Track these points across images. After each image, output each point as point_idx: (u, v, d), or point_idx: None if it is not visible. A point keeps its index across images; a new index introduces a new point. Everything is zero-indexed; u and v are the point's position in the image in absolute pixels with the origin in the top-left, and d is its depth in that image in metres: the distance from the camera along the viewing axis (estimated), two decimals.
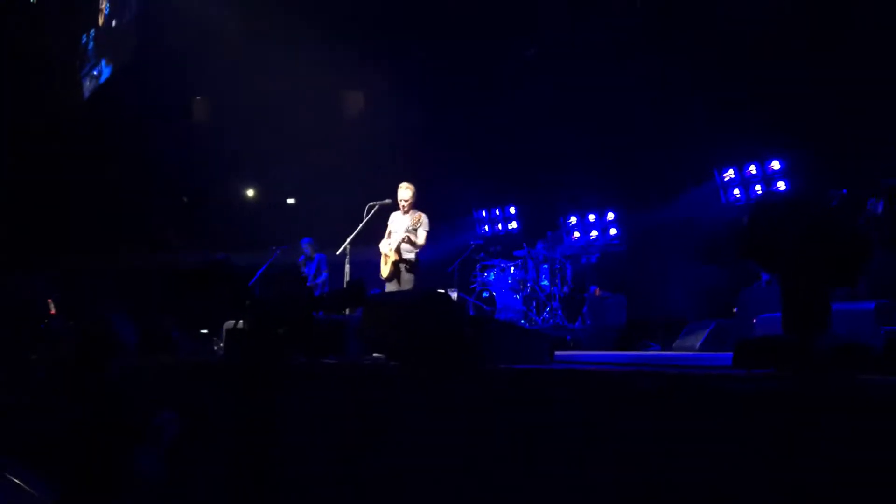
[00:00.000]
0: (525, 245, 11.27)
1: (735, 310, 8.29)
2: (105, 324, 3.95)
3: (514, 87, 11.95)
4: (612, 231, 11.75)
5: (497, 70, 11.85)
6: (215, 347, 7.71)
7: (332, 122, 13.26)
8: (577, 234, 11.99)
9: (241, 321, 5.42)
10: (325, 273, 10.46)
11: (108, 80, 14.06)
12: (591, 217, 11.92)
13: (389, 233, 8.01)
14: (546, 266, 10.96)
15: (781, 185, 9.51)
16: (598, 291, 10.53)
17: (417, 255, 7.88)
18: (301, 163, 13.41)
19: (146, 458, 3.83)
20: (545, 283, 10.83)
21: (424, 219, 7.89)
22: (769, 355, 3.18)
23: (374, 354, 5.73)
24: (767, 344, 3.38)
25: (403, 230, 7.82)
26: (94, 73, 14.37)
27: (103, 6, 14.55)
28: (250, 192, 15.78)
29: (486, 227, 13.55)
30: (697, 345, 7.70)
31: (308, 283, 10.22)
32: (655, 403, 3.08)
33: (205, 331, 8.97)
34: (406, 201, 7.94)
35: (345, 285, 7.72)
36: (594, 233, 11.84)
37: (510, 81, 11.90)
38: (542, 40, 11.60)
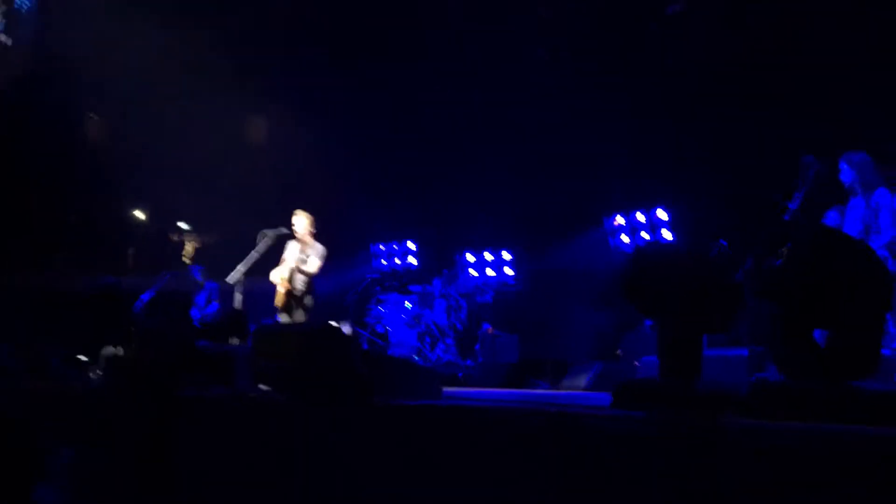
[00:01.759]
0: (428, 283, 11.36)
1: (619, 352, 8.58)
2: None
3: (415, 121, 12.10)
4: (508, 271, 11.95)
5: (399, 104, 11.98)
6: (92, 374, 7.39)
7: (232, 148, 13.06)
8: (473, 272, 12.14)
9: (120, 348, 5.24)
10: (215, 303, 10.20)
11: None
12: (488, 256, 12.10)
13: (283, 261, 7.91)
14: (442, 302, 11.06)
15: (667, 234, 9.94)
16: (491, 329, 10.67)
17: (312, 285, 7.80)
18: (197, 187, 13.11)
19: (44, 492, 3.63)
20: (441, 320, 10.91)
21: (318, 247, 7.82)
22: (645, 397, 3.32)
23: (263, 386, 5.64)
24: (644, 386, 3.54)
25: (296, 259, 7.74)
26: None
27: None
28: (142, 215, 15.29)
29: (384, 262, 13.55)
30: (583, 384, 7.92)
31: (198, 313, 9.96)
32: (537, 441, 3.17)
33: (83, 357, 8.58)
34: (301, 227, 7.86)
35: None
36: (490, 271, 12.02)
37: (411, 116, 12.04)
38: (445, 77, 11.83)
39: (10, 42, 13.40)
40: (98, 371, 7.36)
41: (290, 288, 7.67)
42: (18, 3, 13.07)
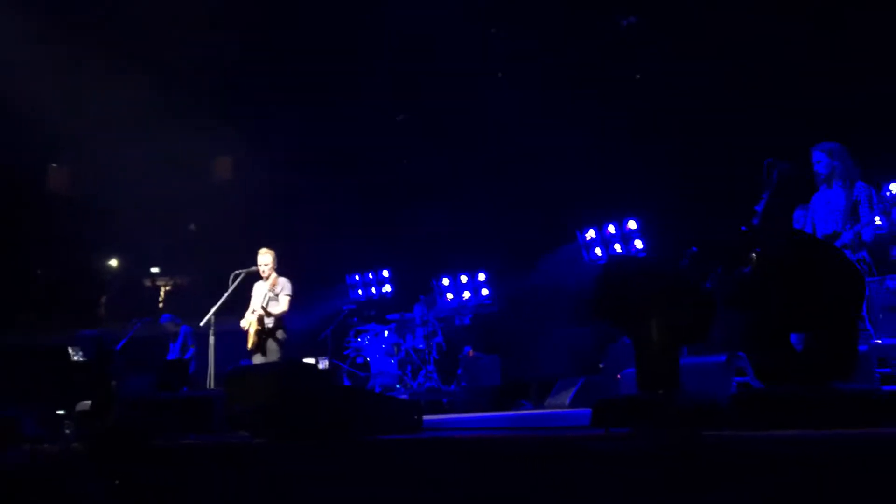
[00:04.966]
0: (407, 311, 11.25)
1: (602, 366, 8.53)
2: None
3: (383, 149, 12.05)
4: (484, 291, 11.87)
5: (367, 133, 11.94)
6: (67, 430, 7.20)
7: (198, 189, 12.92)
8: (450, 296, 12.06)
9: (90, 402, 5.11)
10: (192, 348, 10.01)
11: None
12: (464, 278, 12.02)
13: (251, 302, 7.75)
14: (421, 329, 10.96)
15: (639, 244, 9.94)
16: (471, 352, 10.57)
17: (283, 322, 7.64)
18: (166, 231, 12.96)
19: None
20: (420, 346, 10.80)
21: (286, 283, 7.67)
22: (625, 414, 3.26)
23: (241, 432, 5.51)
24: (623, 403, 3.47)
25: (264, 298, 7.60)
26: None
27: None
28: (111, 263, 15.08)
29: (360, 292, 13.44)
30: (567, 401, 7.87)
31: (175, 360, 9.76)
32: (521, 467, 3.09)
33: (60, 412, 8.36)
34: (266, 265, 7.70)
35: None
36: (466, 294, 11.93)
37: (380, 145, 12.00)
38: (412, 106, 11.83)
39: None
40: (72, 426, 7.17)
41: (259, 328, 7.50)
42: None
